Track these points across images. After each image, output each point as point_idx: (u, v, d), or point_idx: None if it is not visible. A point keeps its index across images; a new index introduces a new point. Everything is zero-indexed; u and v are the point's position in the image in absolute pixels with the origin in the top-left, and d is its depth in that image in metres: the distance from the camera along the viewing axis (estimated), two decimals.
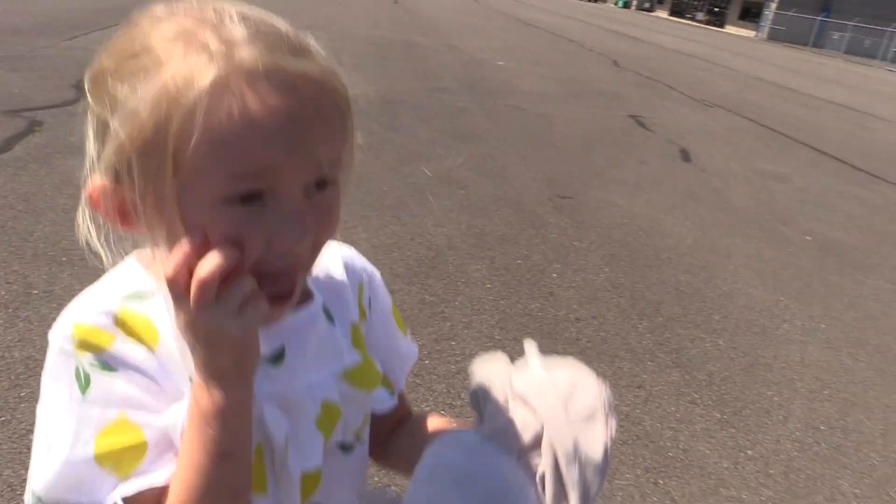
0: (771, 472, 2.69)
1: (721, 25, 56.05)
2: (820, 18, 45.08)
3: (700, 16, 59.16)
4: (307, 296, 0.78)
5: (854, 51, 43.09)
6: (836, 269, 5.03)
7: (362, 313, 0.87)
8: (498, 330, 3.33)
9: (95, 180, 0.65)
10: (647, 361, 3.31)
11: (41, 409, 0.69)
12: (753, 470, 2.67)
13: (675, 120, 9.76)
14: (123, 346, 0.68)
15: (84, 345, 0.67)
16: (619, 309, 3.79)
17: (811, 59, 33.05)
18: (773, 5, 48.88)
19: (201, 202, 0.60)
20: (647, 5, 68.67)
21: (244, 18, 0.62)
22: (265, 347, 0.69)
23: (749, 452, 2.78)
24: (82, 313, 0.70)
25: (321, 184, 0.65)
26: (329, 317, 0.80)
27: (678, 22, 54.35)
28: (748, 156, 8.28)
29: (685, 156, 7.71)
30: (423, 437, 0.87)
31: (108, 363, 0.67)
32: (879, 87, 22.99)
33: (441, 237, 4.27)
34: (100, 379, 0.67)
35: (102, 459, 0.66)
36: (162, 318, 0.70)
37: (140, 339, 0.69)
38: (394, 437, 0.95)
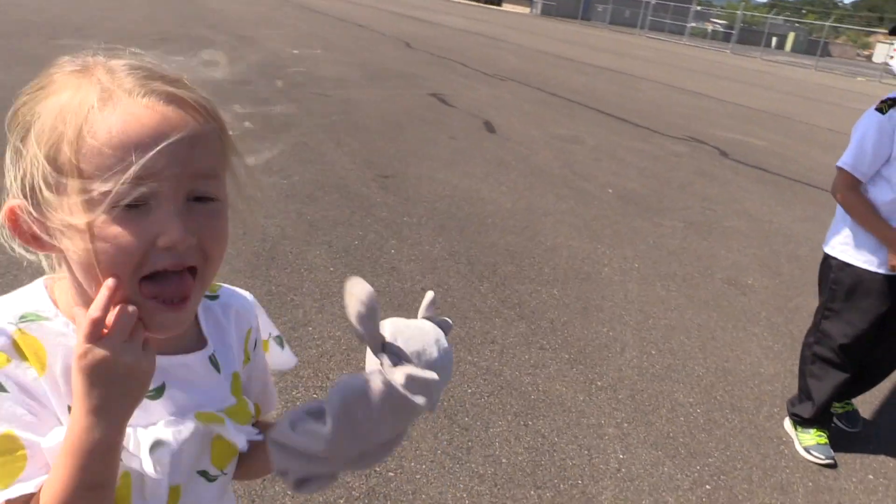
0: (619, 397, 2.98)
1: (499, 4, 58.81)
2: None
3: None
4: (202, 343, 0.85)
5: (617, 21, 47.19)
6: (637, 214, 5.58)
7: (247, 357, 0.93)
8: None
9: (11, 202, 0.71)
10: (495, 318, 3.50)
11: None
12: (605, 398, 2.95)
13: (473, 95, 10.19)
14: (17, 369, 0.71)
15: None
16: (460, 274, 3.96)
17: (581, 31, 35.71)
18: None
19: (95, 212, 0.66)
20: None
21: (129, 61, 0.74)
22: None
23: (598, 384, 3.05)
24: None
25: (201, 198, 0.72)
26: (215, 366, 0.85)
27: (458, 3, 56.29)
28: (544, 122, 8.86)
29: (489, 127, 8.10)
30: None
31: (0, 383, 0.70)
32: (641, 53, 25.41)
33: (274, 228, 4.20)
34: None
35: None
36: (52, 344, 0.74)
37: (32, 363, 0.72)
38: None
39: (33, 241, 0.73)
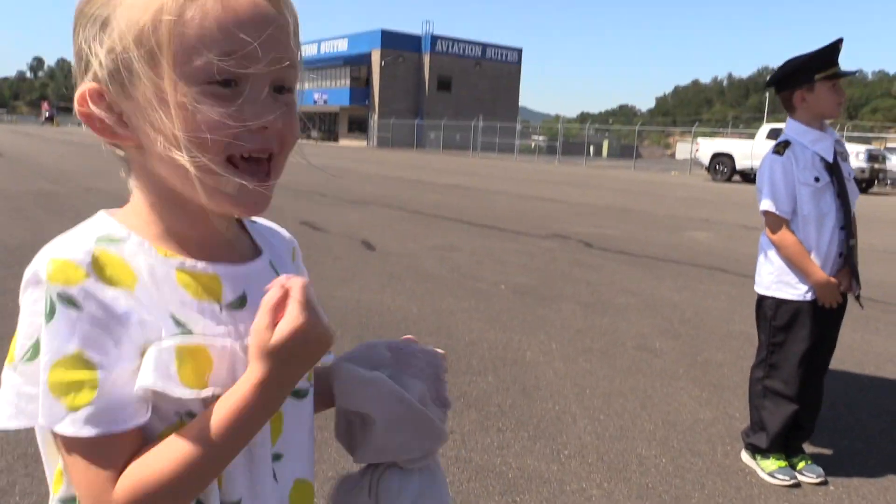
0: (590, 461, 3.04)
1: (336, 140, 60.78)
2: (416, 122, 51.62)
3: (315, 134, 63.47)
4: (257, 251, 0.87)
5: (449, 146, 50.04)
6: (535, 303, 5.81)
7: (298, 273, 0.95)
8: None
9: (86, 86, 0.72)
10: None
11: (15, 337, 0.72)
12: (577, 465, 3.00)
13: (342, 219, 10.36)
14: (94, 286, 0.70)
15: (55, 277, 0.69)
16: None
17: (419, 157, 37.51)
18: (375, 117, 54.68)
19: (190, 86, 0.69)
20: None
21: None
22: (231, 294, 0.79)
23: (566, 453, 3.10)
24: (60, 250, 0.71)
25: (281, 88, 0.75)
26: (275, 271, 0.87)
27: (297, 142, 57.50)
28: (417, 237, 9.13)
29: (368, 245, 8.24)
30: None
31: (75, 299, 0.68)
32: (480, 170, 27.03)
33: None
34: (64, 312, 0.68)
35: (54, 388, 0.67)
36: (136, 260, 0.74)
37: (116, 281, 0.71)
38: None
39: (107, 129, 0.74)
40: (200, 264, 0.78)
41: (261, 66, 0.70)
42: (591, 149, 52.39)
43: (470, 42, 61.34)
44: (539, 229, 10.32)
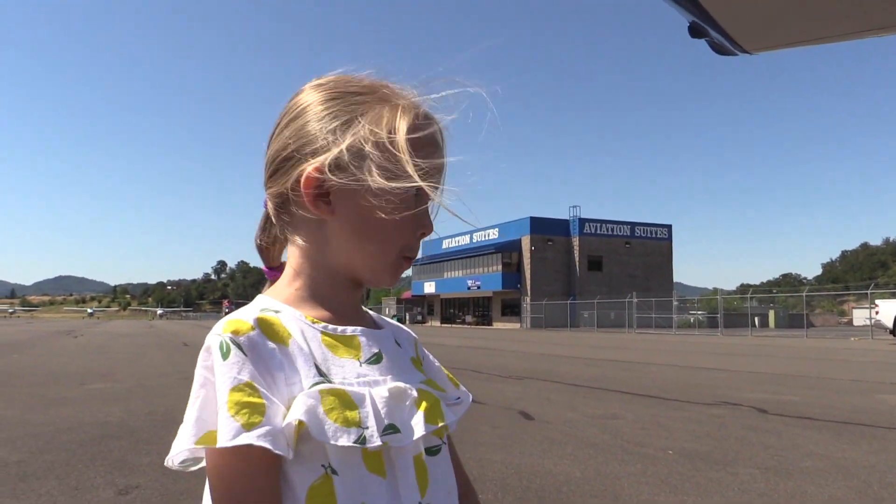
0: None
1: (489, 324, 61.79)
2: (569, 302, 51.71)
3: (469, 318, 64.99)
4: (372, 321, 1.01)
5: (603, 324, 49.34)
6: (708, 468, 5.38)
7: (419, 361, 1.03)
8: None
9: (313, 165, 0.88)
10: None
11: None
12: None
13: (498, 393, 10.32)
14: (259, 337, 0.83)
15: (228, 328, 0.83)
16: None
17: (573, 335, 37.16)
18: (528, 299, 55.44)
19: (398, 192, 0.87)
20: (419, 318, 74.44)
21: (422, 97, 0.93)
22: (368, 352, 0.91)
23: None
24: (231, 317, 0.86)
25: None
26: (398, 344, 0.99)
27: (452, 326, 59.08)
28: (576, 406, 8.88)
29: (526, 416, 8.09)
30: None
31: (243, 346, 0.81)
32: (638, 345, 26.24)
33: None
34: (236, 352, 0.81)
35: (231, 407, 0.77)
36: (290, 324, 0.88)
37: (275, 337, 0.85)
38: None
39: (318, 199, 0.89)
40: (341, 328, 0.91)
41: (435, 184, 0.90)
42: (756, 320, 49.71)
43: (618, 222, 62.19)
44: (706, 398, 9.73)
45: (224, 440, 0.76)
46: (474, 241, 65.52)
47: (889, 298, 30.72)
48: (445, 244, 70.79)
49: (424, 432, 0.87)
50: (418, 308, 77.68)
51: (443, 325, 67.31)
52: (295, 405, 0.79)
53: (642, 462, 5.58)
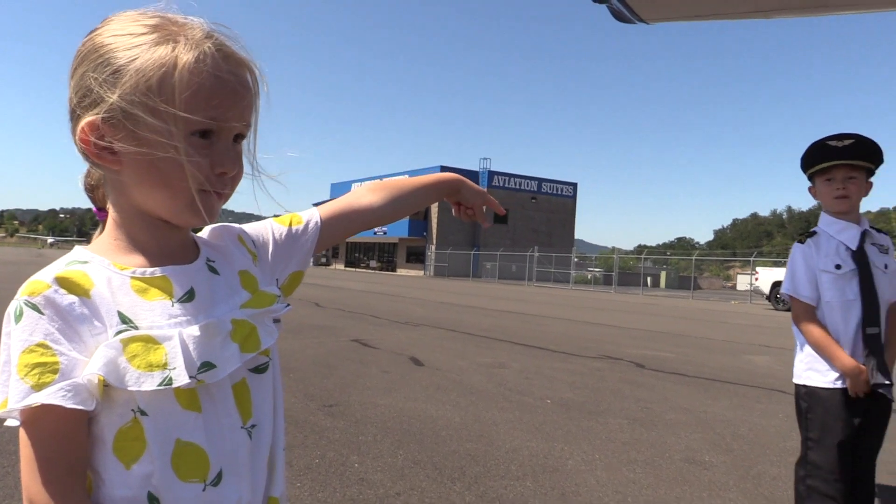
0: None
1: (393, 270, 62.00)
2: (473, 253, 52.43)
3: (374, 263, 64.98)
4: (196, 251, 1.00)
5: (505, 276, 50.38)
6: (581, 417, 5.67)
7: (253, 256, 1.07)
8: None
9: (90, 118, 0.87)
10: None
11: None
12: None
13: (393, 338, 10.44)
14: (55, 294, 0.83)
15: (25, 291, 0.84)
16: (430, 478, 3.86)
17: (475, 286, 37.79)
18: (433, 247, 55.86)
19: (180, 133, 0.85)
20: (323, 260, 73.73)
21: (221, 35, 0.91)
22: (180, 290, 0.92)
23: None
24: (31, 278, 0.86)
25: (238, 137, 0.93)
26: (213, 270, 0.99)
27: (356, 271, 58.94)
28: (467, 355, 9.11)
29: (417, 362, 8.25)
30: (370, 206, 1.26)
31: (39, 305, 0.82)
32: (535, 298, 27.01)
33: None
34: (29, 314, 0.82)
35: (21, 370, 0.79)
36: (97, 274, 0.88)
37: (75, 289, 0.85)
38: (346, 222, 1.26)
39: (101, 152, 0.88)
40: (150, 270, 0.92)
41: (228, 127, 0.90)
42: (649, 280, 51.96)
43: (526, 177, 63.11)
44: (589, 351, 10.18)
45: (13, 402, 0.78)
46: None
47: (770, 266, 32.75)
48: (354, 187, 69.88)
49: (240, 363, 0.91)
50: (322, 251, 76.76)
51: (347, 268, 67.00)
52: (94, 358, 0.82)
53: (520, 410, 5.82)
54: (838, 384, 2.76)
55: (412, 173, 61.38)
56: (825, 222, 2.91)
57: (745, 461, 4.61)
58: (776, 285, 25.97)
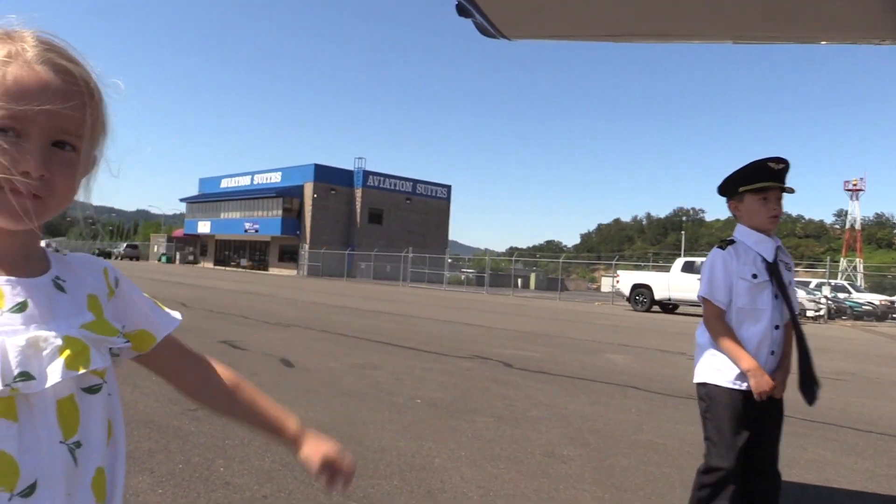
0: None
1: (266, 269, 60.47)
2: (347, 252, 52.07)
3: (245, 262, 63.10)
4: (46, 267, 1.01)
5: (379, 276, 50.42)
6: (449, 416, 5.83)
7: (111, 290, 1.09)
8: None
9: None
10: None
11: None
12: None
13: (262, 340, 10.25)
14: None
15: None
16: (298, 480, 3.86)
17: (349, 286, 37.60)
18: (306, 246, 54.99)
19: None
20: (190, 258, 70.85)
21: (40, 35, 0.94)
22: (11, 301, 0.92)
23: None
24: None
25: (61, 143, 0.92)
26: (59, 288, 1.00)
27: (227, 270, 57.00)
28: (338, 356, 9.10)
29: (287, 363, 8.16)
30: (217, 382, 1.26)
31: None
32: (409, 299, 27.25)
33: None
34: None
35: None
36: None
37: None
38: (187, 370, 1.26)
39: None
40: None
41: (37, 128, 0.89)
42: (519, 281, 53.58)
43: (401, 178, 63.43)
44: (460, 351, 10.43)
45: None
46: (255, 182, 63.30)
47: (630, 270, 34.70)
48: (224, 183, 67.69)
49: (60, 379, 0.91)
50: (190, 248, 73.68)
51: (216, 266, 64.69)
52: None
53: (390, 410, 5.90)
54: (739, 384, 2.88)
55: (285, 172, 60.22)
56: (742, 233, 3.05)
57: (600, 454, 4.92)
58: (635, 287, 27.56)
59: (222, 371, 1.28)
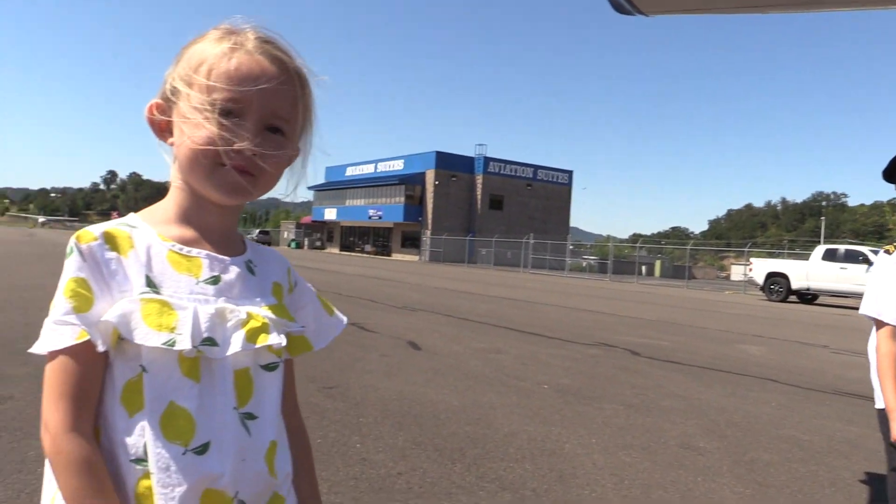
0: None
1: (388, 254, 62.00)
2: (468, 238, 52.47)
3: (368, 248, 64.99)
4: (242, 250, 1.11)
5: (500, 262, 50.47)
6: (577, 402, 5.76)
7: (290, 287, 1.17)
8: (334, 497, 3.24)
9: (153, 101, 1.04)
10: (479, 491, 3.47)
11: None
12: None
13: (390, 323, 10.51)
14: (98, 247, 0.96)
15: (77, 237, 0.96)
16: (431, 459, 3.93)
17: (470, 272, 37.88)
18: (428, 233, 55.88)
19: (205, 111, 0.96)
20: (317, 244, 73.77)
21: (258, 31, 1.04)
22: (207, 273, 1.02)
23: None
24: (86, 228, 0.98)
25: (275, 129, 1.01)
26: (250, 270, 1.09)
27: (351, 255, 58.95)
28: (463, 340, 9.19)
29: (415, 346, 8.32)
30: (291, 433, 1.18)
31: (83, 252, 0.95)
32: (530, 285, 27.11)
33: None
34: (76, 255, 0.95)
35: (66, 291, 0.92)
36: (139, 239, 1.00)
37: (115, 247, 0.97)
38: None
39: (161, 131, 1.04)
40: (186, 248, 1.02)
41: (253, 111, 0.98)
42: (643, 269, 52.12)
43: (522, 164, 63.07)
44: (585, 338, 10.27)
45: (56, 316, 0.91)
46: (378, 170, 64.91)
47: (764, 258, 32.91)
48: (349, 171, 69.79)
49: (241, 349, 0.98)
50: (318, 234, 76.70)
51: (342, 252, 66.99)
52: (113, 308, 0.93)
53: (517, 394, 5.90)
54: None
55: (407, 159, 61.34)
56: None
57: (739, 447, 4.70)
58: (770, 276, 26.11)
59: (299, 432, 1.24)
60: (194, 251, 1.02)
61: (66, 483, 0.90)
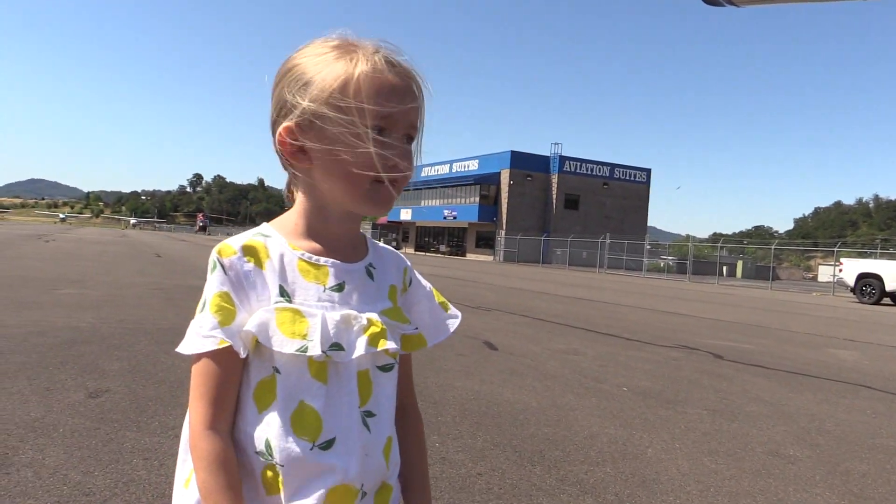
0: None
1: (463, 254, 62.17)
2: (543, 238, 52.11)
3: (443, 248, 65.36)
4: (364, 254, 1.17)
5: (575, 262, 49.90)
6: (659, 406, 5.63)
7: (405, 286, 1.23)
8: None
9: (285, 124, 1.05)
10: (560, 494, 3.43)
11: None
12: None
13: (466, 322, 10.52)
14: (238, 260, 1.04)
15: (219, 251, 1.05)
16: (510, 461, 3.91)
17: (545, 272, 37.60)
18: (502, 233, 55.75)
19: (363, 121, 1.00)
20: (393, 244, 74.67)
21: (386, 51, 1.07)
22: (333, 281, 1.09)
23: None
24: (226, 241, 1.07)
25: (409, 138, 1.07)
26: (370, 275, 1.15)
27: (426, 255, 59.45)
28: (540, 340, 9.12)
29: (491, 346, 8.31)
30: (407, 426, 1.25)
31: (225, 266, 1.04)
32: (607, 286, 26.68)
33: None
34: (219, 270, 1.04)
35: (212, 306, 1.01)
36: (273, 249, 1.07)
37: (254, 258, 1.05)
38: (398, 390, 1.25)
39: (296, 154, 1.06)
40: (315, 257, 1.09)
41: (399, 127, 1.04)
42: (724, 269, 50.56)
43: (598, 163, 62.17)
44: (665, 340, 10.04)
45: (204, 331, 1.00)
46: (453, 171, 65.21)
47: (854, 258, 31.37)
48: (424, 172, 70.31)
49: (364, 352, 1.05)
50: (393, 234, 77.70)
51: (417, 252, 67.61)
52: (252, 317, 1.02)
53: (597, 396, 5.81)
54: None
55: (482, 159, 61.33)
56: None
57: (833, 456, 4.50)
58: (862, 277, 24.90)
59: (416, 424, 1.29)
60: (322, 259, 1.10)
61: (199, 476, 0.99)
